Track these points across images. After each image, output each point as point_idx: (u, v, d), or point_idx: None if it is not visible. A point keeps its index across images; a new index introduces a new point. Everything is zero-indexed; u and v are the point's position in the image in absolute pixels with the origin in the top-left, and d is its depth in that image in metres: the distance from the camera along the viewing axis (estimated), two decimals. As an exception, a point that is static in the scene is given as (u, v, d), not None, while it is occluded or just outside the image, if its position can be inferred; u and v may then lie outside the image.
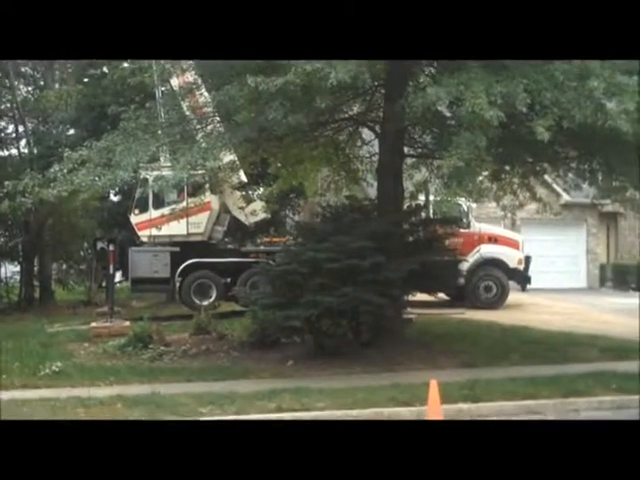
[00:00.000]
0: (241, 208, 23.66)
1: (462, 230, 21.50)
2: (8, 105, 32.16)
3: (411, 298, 16.54)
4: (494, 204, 19.37)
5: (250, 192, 24.02)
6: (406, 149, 16.67)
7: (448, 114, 13.97)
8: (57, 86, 33.78)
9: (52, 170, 14.65)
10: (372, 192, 18.20)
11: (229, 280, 22.38)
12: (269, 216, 24.43)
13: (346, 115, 16.87)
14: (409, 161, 17.62)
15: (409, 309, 16.88)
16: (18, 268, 31.54)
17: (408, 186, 17.73)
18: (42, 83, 34.44)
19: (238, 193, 23.57)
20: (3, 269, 32.18)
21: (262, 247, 23.89)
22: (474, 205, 23.28)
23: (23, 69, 33.53)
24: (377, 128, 16.23)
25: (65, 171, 14.17)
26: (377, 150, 16.58)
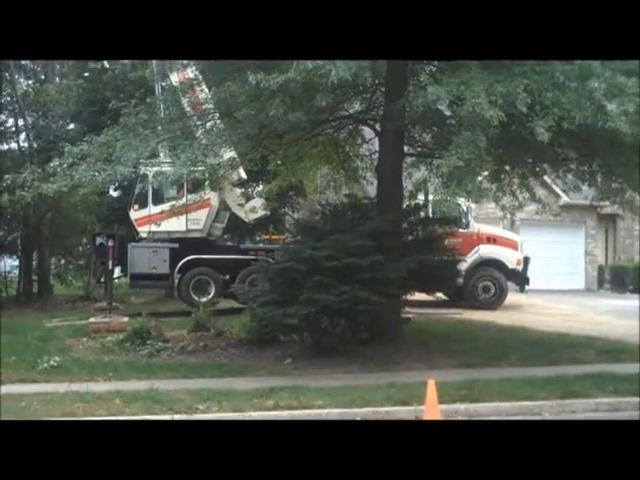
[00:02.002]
0: (240, 205, 23.66)
1: (461, 230, 21.55)
2: (8, 98, 32.18)
3: (409, 297, 16.50)
4: (493, 204, 19.31)
5: (250, 189, 23.97)
6: (406, 148, 16.66)
7: (448, 113, 13.97)
8: (57, 80, 33.83)
9: (52, 164, 14.70)
10: (372, 191, 18.18)
11: (228, 277, 22.37)
12: (268, 213, 24.41)
13: (346, 113, 16.86)
14: (409, 160, 17.58)
15: (407, 308, 16.85)
16: (17, 262, 31.62)
17: (407, 185, 17.71)
18: (42, 77, 34.47)
19: (238, 190, 23.54)
20: (2, 263, 32.29)
21: (261, 244, 23.95)
22: (473, 205, 23.24)
23: (23, 62, 33.51)
24: (377, 126, 16.21)
25: (65, 166, 14.20)
26: (377, 148, 16.57)
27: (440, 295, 20.02)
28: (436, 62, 14.28)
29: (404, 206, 16.60)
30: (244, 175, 22.71)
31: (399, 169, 15.92)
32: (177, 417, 10.08)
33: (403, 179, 16.66)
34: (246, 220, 24.27)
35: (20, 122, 32.09)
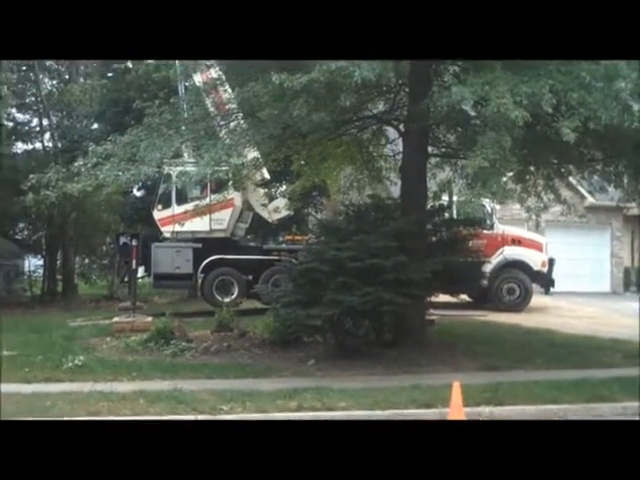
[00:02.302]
0: (264, 205, 23.68)
1: (485, 231, 21.38)
2: (33, 99, 32.42)
3: (433, 299, 16.41)
4: (518, 206, 19.19)
5: (273, 189, 23.98)
6: (430, 148, 16.57)
7: (473, 114, 13.87)
8: (81, 80, 34.02)
9: (76, 164, 14.72)
10: (395, 191, 18.11)
11: (251, 277, 22.40)
12: (292, 214, 24.40)
13: (370, 113, 16.79)
14: (433, 160, 17.50)
15: (431, 310, 16.76)
16: (41, 262, 31.85)
17: (432, 186, 17.62)
18: (66, 77, 34.66)
19: (261, 190, 23.57)
20: (27, 262, 32.54)
21: (284, 245, 23.93)
22: (498, 206, 23.09)
23: (48, 63, 33.73)
24: (401, 127, 16.14)
25: (89, 165, 14.24)
26: (401, 149, 16.50)
27: (464, 297, 19.94)
28: (460, 62, 14.22)
29: (428, 207, 16.52)
30: (267, 175, 22.70)
31: (423, 170, 15.84)
32: (201, 417, 10.06)
33: (427, 180, 16.57)
34: (269, 220, 24.29)
35: (45, 122, 32.30)
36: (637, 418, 10.59)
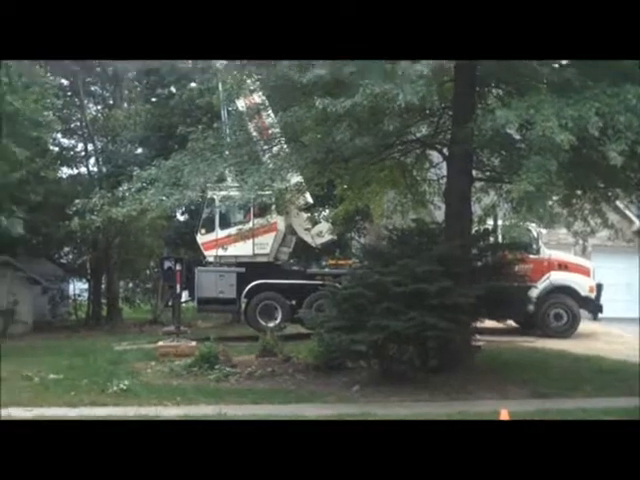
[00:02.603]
0: (307, 229, 23.66)
1: (531, 256, 21.16)
2: (78, 124, 32.83)
3: (479, 324, 16.22)
4: (565, 230, 18.98)
5: (316, 213, 23.97)
6: (474, 172, 16.42)
7: (518, 137, 13.77)
8: (126, 105, 34.46)
9: (121, 189, 14.86)
10: (439, 215, 17.99)
11: (294, 302, 22.36)
12: (335, 238, 24.34)
13: (413, 137, 16.76)
14: (477, 184, 17.36)
15: (477, 336, 16.56)
16: (86, 285, 32.13)
17: (476, 210, 17.49)
18: (111, 102, 35.12)
19: (304, 214, 23.57)
20: (72, 286, 32.84)
21: (327, 269, 23.79)
22: (544, 231, 22.86)
23: (92, 88, 34.20)
24: (445, 150, 16.06)
25: (134, 190, 14.36)
26: (445, 173, 16.40)
27: (510, 322, 19.71)
28: (504, 85, 14.14)
29: (473, 231, 16.36)
30: (310, 199, 22.70)
31: (467, 193, 15.70)
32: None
33: (472, 204, 16.43)
34: (312, 245, 24.26)
35: (89, 147, 32.71)
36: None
